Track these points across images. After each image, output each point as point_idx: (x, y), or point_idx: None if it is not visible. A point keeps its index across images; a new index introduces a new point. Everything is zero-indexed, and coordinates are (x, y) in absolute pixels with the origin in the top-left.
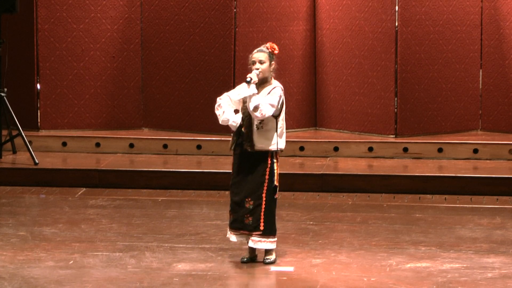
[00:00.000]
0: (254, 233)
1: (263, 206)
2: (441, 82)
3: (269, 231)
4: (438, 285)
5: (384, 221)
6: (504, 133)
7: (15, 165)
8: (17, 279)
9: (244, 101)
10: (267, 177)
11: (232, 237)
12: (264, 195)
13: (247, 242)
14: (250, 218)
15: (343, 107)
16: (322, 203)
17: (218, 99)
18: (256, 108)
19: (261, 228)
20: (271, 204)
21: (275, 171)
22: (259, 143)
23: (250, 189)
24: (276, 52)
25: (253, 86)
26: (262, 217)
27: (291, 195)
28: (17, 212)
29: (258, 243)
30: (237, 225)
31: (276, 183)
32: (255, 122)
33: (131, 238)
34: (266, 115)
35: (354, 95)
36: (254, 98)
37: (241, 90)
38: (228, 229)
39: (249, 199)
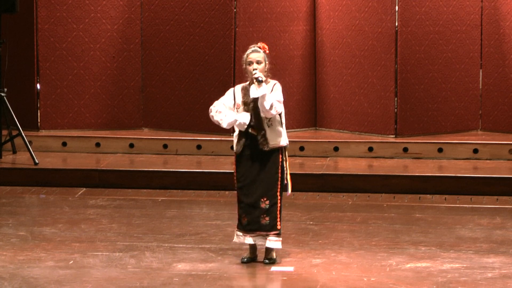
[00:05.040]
0: (272, 232)
1: (278, 204)
2: (441, 82)
3: (281, 230)
4: (438, 285)
5: (384, 221)
6: (504, 133)
7: (15, 165)
8: (17, 279)
9: (246, 104)
10: (279, 175)
11: (248, 240)
12: (278, 193)
13: (261, 243)
14: (267, 218)
15: (343, 107)
16: (322, 203)
17: (211, 107)
18: (271, 106)
19: (278, 227)
20: (281, 202)
21: (286, 169)
22: (272, 141)
23: (265, 189)
24: (267, 52)
25: (264, 86)
26: (278, 216)
27: (291, 195)
28: (17, 212)
29: (275, 242)
30: (252, 227)
31: (286, 181)
32: (265, 121)
33: (131, 238)
34: (279, 112)
35: (354, 95)
36: (268, 97)
37: (253, 92)
38: (238, 232)
39: (265, 198)
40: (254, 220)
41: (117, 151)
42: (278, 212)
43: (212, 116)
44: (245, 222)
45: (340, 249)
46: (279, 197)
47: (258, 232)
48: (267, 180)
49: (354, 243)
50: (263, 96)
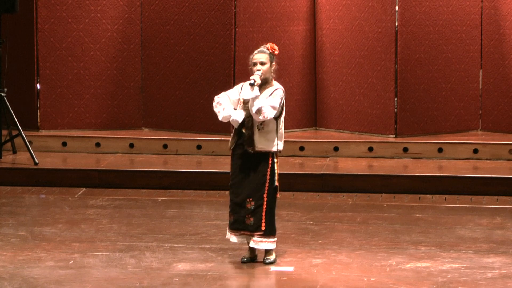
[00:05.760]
0: (256, 233)
1: (264, 206)
2: (441, 82)
3: (269, 231)
4: (438, 285)
5: (384, 221)
6: (504, 133)
7: (15, 165)
8: (17, 279)
9: (245, 102)
10: (268, 177)
11: (233, 238)
12: (265, 195)
13: (248, 243)
14: (252, 219)
15: (343, 107)
16: (322, 203)
17: (216, 97)
18: (258, 111)
19: (263, 228)
20: (272, 204)
21: (276, 171)
22: (260, 144)
23: (252, 190)
24: (276, 52)
25: (256, 89)
26: (263, 217)
27: (291, 195)
28: (17, 212)
29: (259, 243)
30: (238, 226)
31: (276, 183)
32: (256, 124)
33: (131, 238)
34: (268, 118)
35: (354, 95)
36: (257, 101)
37: (244, 92)
38: (228, 230)
39: (251, 199)
40: (239, 219)
41: (117, 151)
42: (263, 214)
43: (214, 106)
44: (232, 220)
45: (340, 249)
46: (265, 199)
47: (242, 232)
48: (255, 181)
49: (354, 243)
50: (253, 99)
